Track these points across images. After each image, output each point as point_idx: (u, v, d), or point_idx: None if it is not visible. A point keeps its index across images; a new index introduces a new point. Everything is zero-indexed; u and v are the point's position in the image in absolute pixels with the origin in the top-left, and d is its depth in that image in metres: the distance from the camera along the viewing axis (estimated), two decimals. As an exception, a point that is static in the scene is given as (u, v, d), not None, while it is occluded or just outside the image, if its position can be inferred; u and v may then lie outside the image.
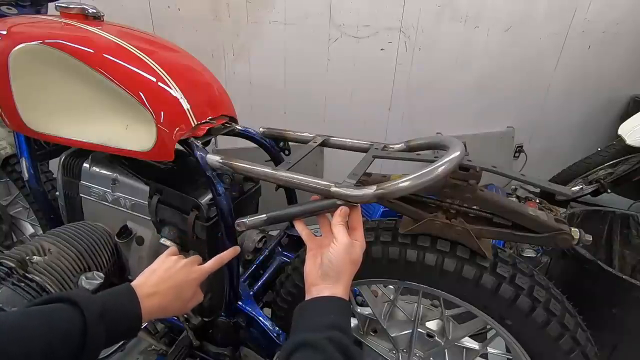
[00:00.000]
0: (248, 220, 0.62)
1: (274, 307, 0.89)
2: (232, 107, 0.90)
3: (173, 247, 0.72)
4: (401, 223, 0.71)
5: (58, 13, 0.86)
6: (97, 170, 0.90)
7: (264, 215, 0.62)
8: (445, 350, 0.89)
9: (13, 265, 0.74)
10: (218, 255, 0.72)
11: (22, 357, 0.43)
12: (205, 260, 0.73)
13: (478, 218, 0.66)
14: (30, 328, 0.45)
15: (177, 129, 0.73)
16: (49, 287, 0.75)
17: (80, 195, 0.94)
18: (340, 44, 1.88)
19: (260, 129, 0.93)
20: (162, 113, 0.72)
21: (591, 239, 0.61)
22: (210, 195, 0.79)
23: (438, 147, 0.71)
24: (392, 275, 0.74)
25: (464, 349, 0.89)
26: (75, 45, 0.74)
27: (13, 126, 0.86)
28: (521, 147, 2.55)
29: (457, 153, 0.57)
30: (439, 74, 2.12)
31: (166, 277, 0.63)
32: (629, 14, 2.25)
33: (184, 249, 0.84)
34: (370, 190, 0.56)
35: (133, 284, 0.60)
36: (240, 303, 0.87)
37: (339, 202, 0.59)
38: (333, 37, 1.86)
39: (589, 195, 2.16)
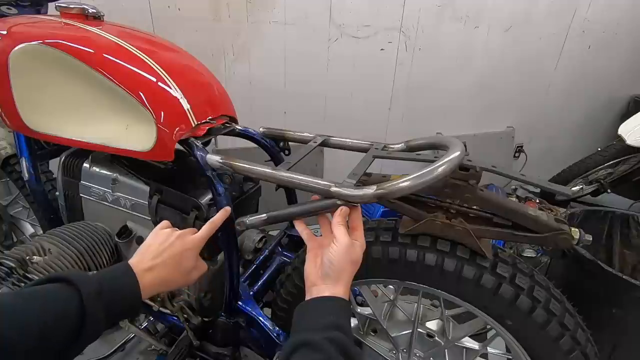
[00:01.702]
0: (248, 219, 0.62)
1: (274, 307, 0.89)
2: (232, 107, 0.90)
3: (165, 221, 0.69)
4: (401, 223, 0.70)
5: (58, 13, 0.86)
6: (97, 170, 0.90)
7: (264, 214, 0.62)
8: (445, 350, 0.89)
9: (13, 265, 0.74)
10: (210, 220, 0.69)
11: (16, 339, 0.42)
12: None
13: (478, 218, 0.66)
14: (24, 309, 0.44)
15: (177, 129, 0.73)
16: (49, 287, 0.74)
17: (80, 195, 0.94)
18: (340, 44, 1.88)
19: (260, 129, 0.93)
20: (162, 113, 0.72)
21: (591, 239, 0.61)
22: (210, 195, 0.79)
23: (438, 147, 0.71)
24: (392, 275, 0.74)
25: (464, 349, 0.88)
26: (76, 45, 0.74)
27: (13, 126, 0.86)
28: (521, 147, 2.55)
29: (457, 153, 0.57)
30: (439, 74, 2.12)
31: (162, 250, 0.61)
32: (629, 14, 2.25)
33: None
34: (370, 190, 0.56)
35: (130, 261, 0.58)
36: (240, 303, 0.87)
37: (339, 202, 0.59)
38: (333, 37, 1.86)
39: (589, 195, 2.16)
